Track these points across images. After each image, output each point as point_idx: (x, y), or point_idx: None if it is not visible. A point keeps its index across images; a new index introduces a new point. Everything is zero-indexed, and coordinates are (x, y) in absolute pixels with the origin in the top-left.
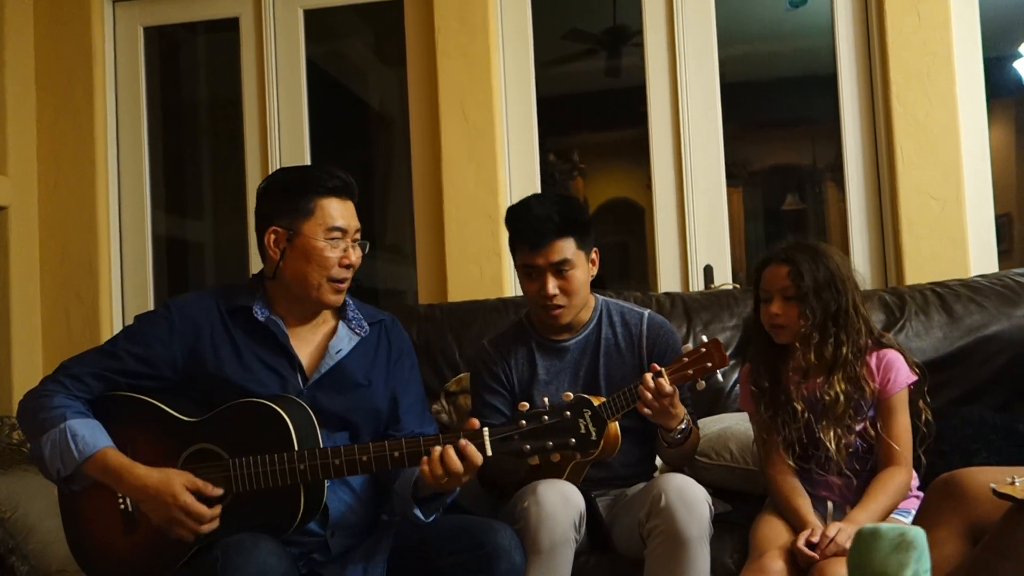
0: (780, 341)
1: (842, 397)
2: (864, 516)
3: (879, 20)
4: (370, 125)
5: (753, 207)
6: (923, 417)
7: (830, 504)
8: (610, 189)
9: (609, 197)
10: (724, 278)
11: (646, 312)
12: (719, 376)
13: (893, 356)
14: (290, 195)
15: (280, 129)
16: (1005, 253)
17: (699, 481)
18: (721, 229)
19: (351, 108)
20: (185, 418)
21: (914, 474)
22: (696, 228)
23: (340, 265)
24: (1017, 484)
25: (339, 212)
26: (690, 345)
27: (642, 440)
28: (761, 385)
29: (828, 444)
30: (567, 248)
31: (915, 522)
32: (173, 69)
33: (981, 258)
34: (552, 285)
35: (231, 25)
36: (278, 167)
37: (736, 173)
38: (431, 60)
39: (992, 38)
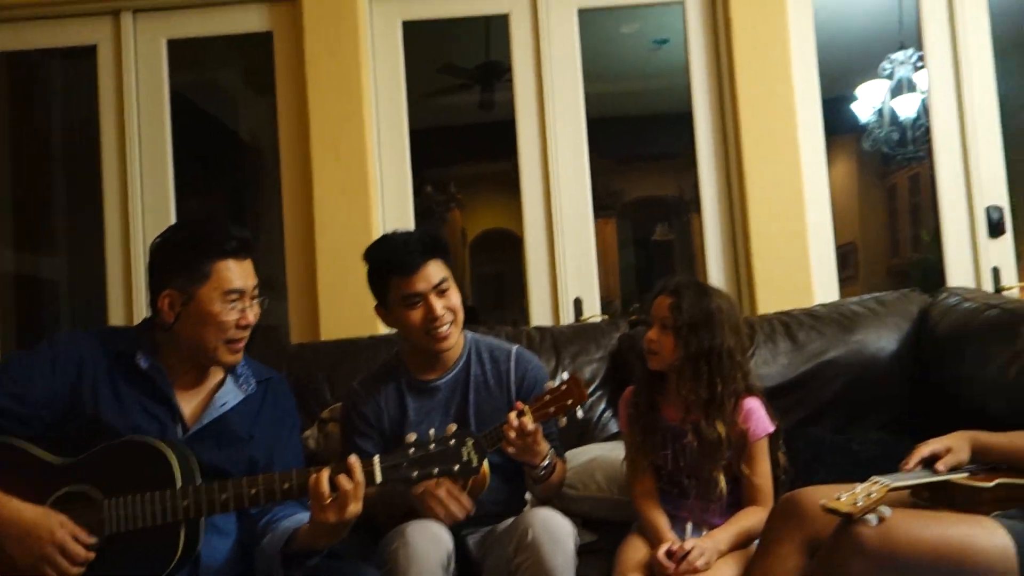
0: (651, 367)
1: (722, 437)
2: (723, 536)
3: (729, 65)
4: (240, 155)
5: (626, 237)
6: (781, 464)
7: (689, 525)
8: (488, 220)
9: (487, 228)
10: (593, 310)
11: (514, 348)
12: (580, 412)
13: (756, 405)
14: (185, 258)
15: (142, 160)
16: (851, 279)
17: (568, 512)
18: (589, 262)
19: (220, 138)
20: (54, 460)
21: None
22: (566, 261)
23: (238, 327)
24: (842, 499)
25: (237, 274)
26: (556, 381)
27: (510, 476)
28: (639, 408)
29: (707, 476)
30: (441, 268)
31: (760, 540)
32: (27, 96)
33: (823, 286)
34: (439, 306)
35: (90, 52)
36: (138, 199)
37: (610, 204)
38: (302, 92)
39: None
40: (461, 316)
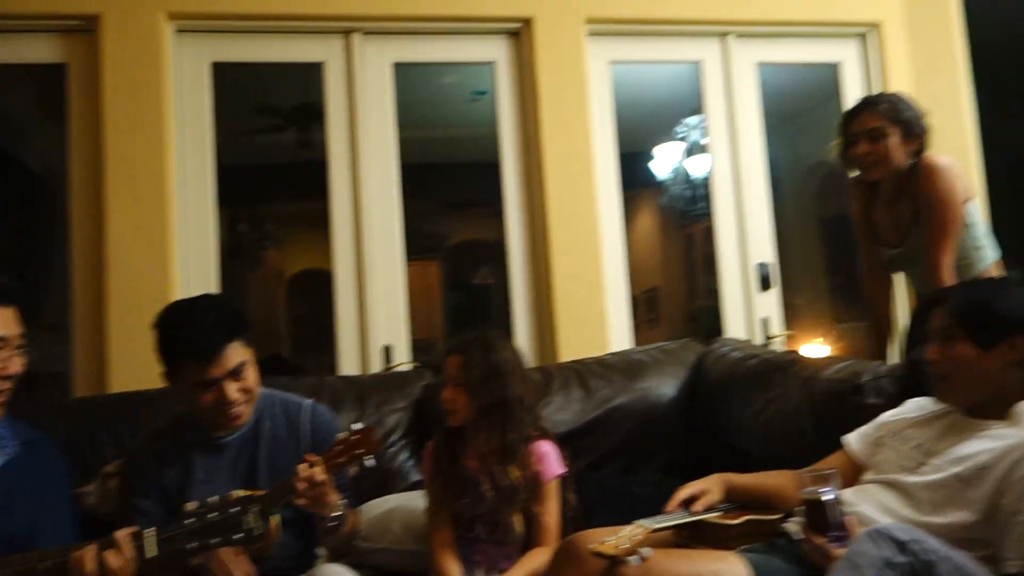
0: (452, 423)
1: (516, 482)
2: None
3: (534, 122)
4: (30, 187)
5: (450, 280)
6: (571, 504)
7: (481, 570)
8: (306, 259)
9: (304, 267)
10: (403, 357)
11: (308, 402)
12: (371, 462)
13: (548, 448)
14: None
15: None
16: (654, 321)
17: (361, 565)
18: (399, 308)
19: (6, 169)
20: None
21: None
22: (376, 307)
23: None
24: (608, 543)
25: None
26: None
27: (301, 530)
28: (440, 462)
29: (505, 521)
30: (240, 350)
31: None
32: None
33: (619, 333)
34: (233, 391)
35: None
36: None
37: (434, 247)
38: (97, 127)
39: (644, 137)
40: (257, 391)
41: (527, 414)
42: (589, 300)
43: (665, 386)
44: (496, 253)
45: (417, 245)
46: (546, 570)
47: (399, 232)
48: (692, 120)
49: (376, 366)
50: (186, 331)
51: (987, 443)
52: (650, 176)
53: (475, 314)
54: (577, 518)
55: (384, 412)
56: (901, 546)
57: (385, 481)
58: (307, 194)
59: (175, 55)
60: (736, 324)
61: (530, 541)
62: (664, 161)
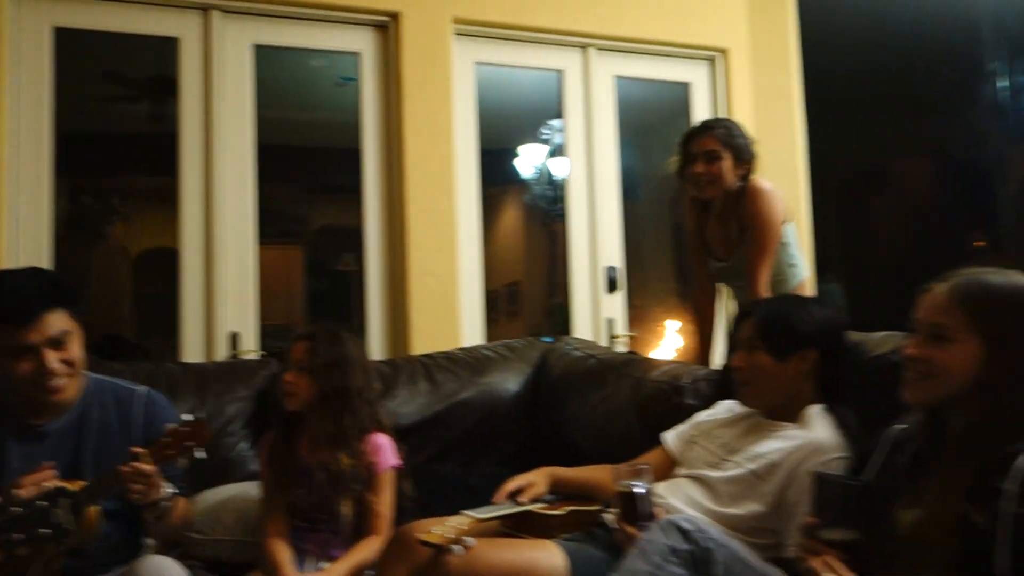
0: (289, 407)
1: (347, 470)
2: (339, 568)
3: (397, 116)
4: None
5: (312, 265)
6: (407, 495)
7: (311, 559)
8: (153, 237)
9: (152, 245)
10: (250, 345)
11: (142, 390)
12: (201, 454)
13: (384, 440)
14: None
15: None
16: (514, 315)
17: (190, 556)
18: (249, 294)
19: None
20: None
21: None
22: (226, 292)
23: None
24: (435, 532)
25: None
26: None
27: (127, 520)
28: (277, 450)
29: (336, 509)
30: (63, 319)
31: (376, 571)
32: None
33: (471, 329)
34: (53, 360)
35: None
36: None
37: (298, 232)
38: None
39: (511, 134)
40: (82, 366)
41: (365, 407)
42: (444, 295)
43: (509, 382)
44: (359, 241)
45: (279, 228)
46: (377, 559)
47: (253, 214)
48: (556, 123)
49: (222, 353)
50: (2, 294)
51: (780, 443)
52: (516, 173)
53: (337, 301)
54: (413, 509)
55: (225, 401)
56: (685, 535)
57: (222, 471)
58: (158, 169)
59: (12, 18)
60: (584, 323)
61: (363, 530)
62: (528, 160)
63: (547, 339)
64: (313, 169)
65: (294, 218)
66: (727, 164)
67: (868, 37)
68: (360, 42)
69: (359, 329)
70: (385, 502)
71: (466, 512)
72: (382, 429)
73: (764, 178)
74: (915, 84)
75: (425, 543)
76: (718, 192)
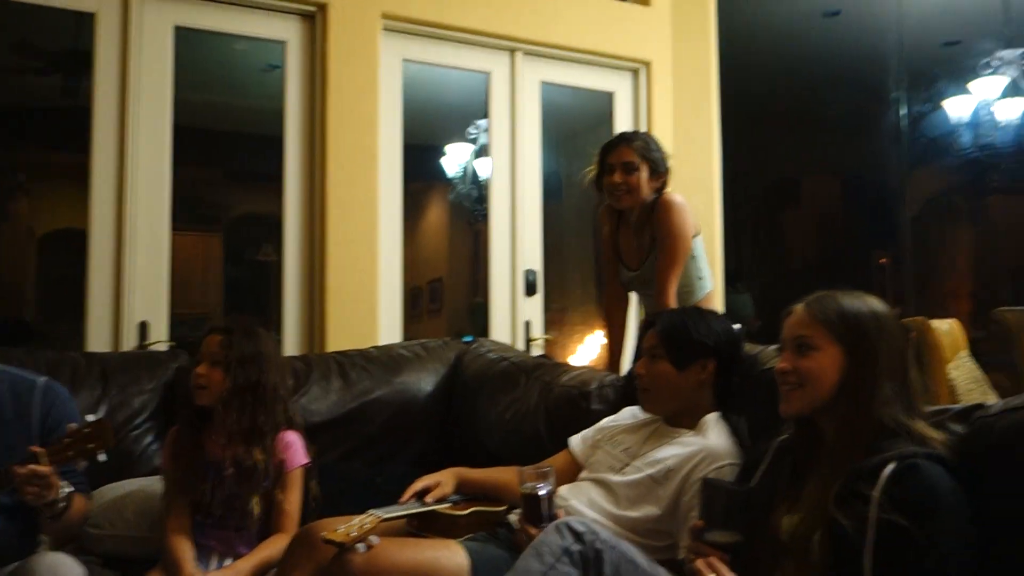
0: (199, 402)
1: (260, 466)
2: (244, 566)
3: (322, 108)
4: None
5: (231, 253)
6: (312, 494)
7: (216, 556)
8: (61, 216)
9: (61, 225)
10: (160, 335)
11: (42, 380)
12: (103, 458)
13: (294, 438)
14: None
15: None
16: (436, 311)
17: (88, 552)
18: (161, 282)
19: None
20: None
21: None
22: (135, 279)
23: None
24: (340, 531)
25: None
26: (85, 422)
27: (21, 517)
28: (183, 444)
29: (245, 506)
30: None
31: (278, 568)
32: None
33: (389, 327)
34: None
35: None
36: None
37: (216, 218)
38: None
39: (438, 131)
40: None
41: (279, 403)
42: (362, 291)
43: (423, 382)
44: (279, 231)
45: (197, 214)
46: (282, 556)
47: (167, 198)
48: (483, 123)
49: (130, 343)
50: None
51: (677, 449)
52: (442, 171)
53: (256, 291)
54: (320, 507)
55: (130, 394)
56: (578, 536)
57: (124, 465)
58: (69, 145)
59: None
60: (502, 324)
61: (270, 528)
62: (454, 159)
63: (468, 338)
64: (235, 155)
65: (214, 204)
66: (643, 176)
67: (784, 60)
68: (286, 31)
69: (276, 322)
70: (293, 500)
71: (372, 511)
72: (293, 426)
73: (680, 190)
74: (826, 107)
75: (329, 541)
76: (633, 202)
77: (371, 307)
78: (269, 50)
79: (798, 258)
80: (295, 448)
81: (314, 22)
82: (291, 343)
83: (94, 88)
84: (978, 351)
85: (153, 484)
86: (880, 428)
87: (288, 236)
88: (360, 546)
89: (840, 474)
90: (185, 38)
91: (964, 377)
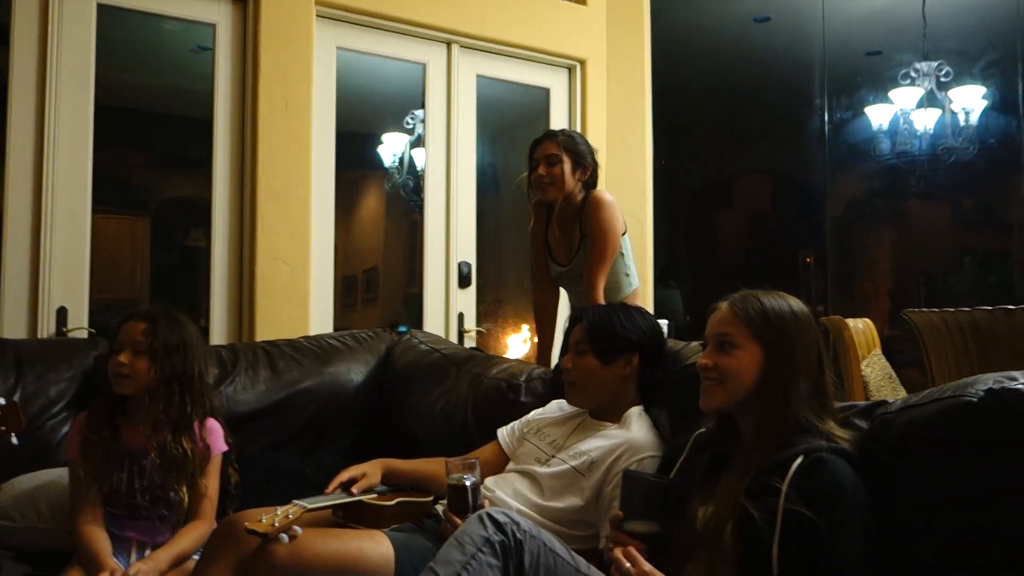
0: (122, 391)
1: (190, 454)
2: (164, 556)
3: (253, 108)
4: None
5: (160, 238)
6: (232, 480)
7: (135, 547)
8: None
9: None
10: (80, 322)
11: None
12: (14, 440)
13: (216, 425)
14: None
15: None
16: (371, 301)
17: (2, 546)
18: (81, 267)
19: None
20: None
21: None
22: (54, 263)
23: None
24: (263, 521)
25: None
26: None
27: None
28: (99, 433)
29: (168, 495)
30: None
31: (200, 559)
32: None
33: (320, 317)
34: None
35: None
36: None
37: (145, 201)
38: None
39: (375, 119)
40: None
41: (205, 390)
42: (293, 280)
43: (353, 372)
44: (209, 216)
45: (124, 197)
46: (204, 546)
47: (88, 181)
48: (420, 113)
49: (48, 329)
50: None
51: (601, 441)
52: (379, 159)
53: (184, 277)
54: (245, 496)
55: (47, 382)
56: (499, 527)
57: (39, 455)
58: None
59: None
60: (436, 316)
61: (189, 515)
62: (390, 148)
63: (403, 328)
64: (164, 137)
65: (141, 187)
66: (567, 168)
67: (716, 63)
68: (216, 13)
69: (204, 309)
70: (212, 487)
71: (296, 501)
72: (215, 414)
73: (613, 186)
74: (756, 109)
75: (252, 532)
76: (557, 194)
77: (302, 296)
78: (198, 31)
79: (728, 255)
80: (216, 435)
81: (246, 5)
82: (219, 332)
83: (11, 62)
84: (894, 348)
85: (67, 476)
86: (794, 424)
87: (217, 222)
88: (283, 536)
89: (753, 468)
90: (109, 16)
91: (876, 374)
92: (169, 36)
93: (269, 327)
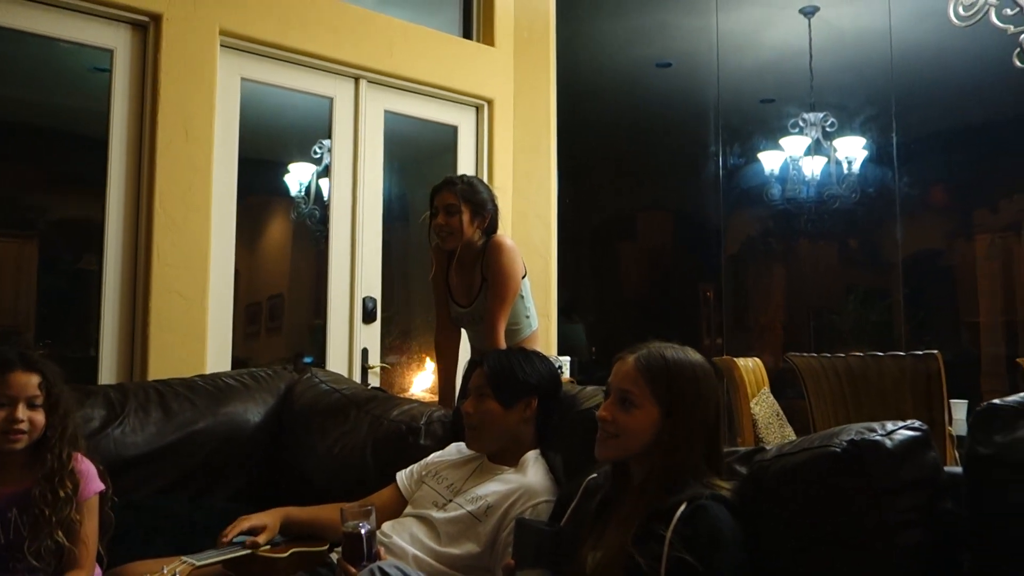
0: (16, 447)
1: (63, 500)
2: None
3: (151, 130)
4: None
5: (48, 261)
6: (108, 523)
7: None
8: None
9: None
10: None
11: None
12: None
13: (88, 467)
14: None
15: None
16: (276, 330)
17: None
18: None
19: None
20: None
21: (97, 570)
22: None
23: None
24: (166, 571)
25: None
26: None
27: None
28: None
29: (49, 541)
30: None
31: None
32: None
33: (218, 350)
34: None
35: None
36: None
37: (34, 222)
38: None
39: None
40: None
41: (77, 429)
42: (189, 313)
43: (251, 412)
44: (101, 242)
45: (10, 217)
46: None
47: None
48: (328, 142)
49: None
50: None
51: (498, 486)
52: (286, 187)
53: (75, 303)
54: (131, 543)
55: None
56: None
57: None
58: None
59: None
60: (339, 350)
61: (66, 564)
62: (297, 177)
63: (308, 359)
64: (55, 156)
65: (29, 207)
66: (465, 218)
67: (620, 105)
68: (115, 39)
69: (94, 339)
70: (91, 531)
71: (185, 558)
72: (79, 450)
73: (518, 222)
74: (657, 151)
75: None
76: (456, 243)
77: (199, 330)
78: (96, 53)
79: (631, 289)
80: (89, 475)
81: (146, 32)
82: (109, 366)
83: None
84: (785, 381)
85: None
86: (682, 474)
87: (110, 246)
88: None
89: (640, 514)
90: (2, 36)
91: (764, 412)
92: (65, 54)
93: (164, 362)
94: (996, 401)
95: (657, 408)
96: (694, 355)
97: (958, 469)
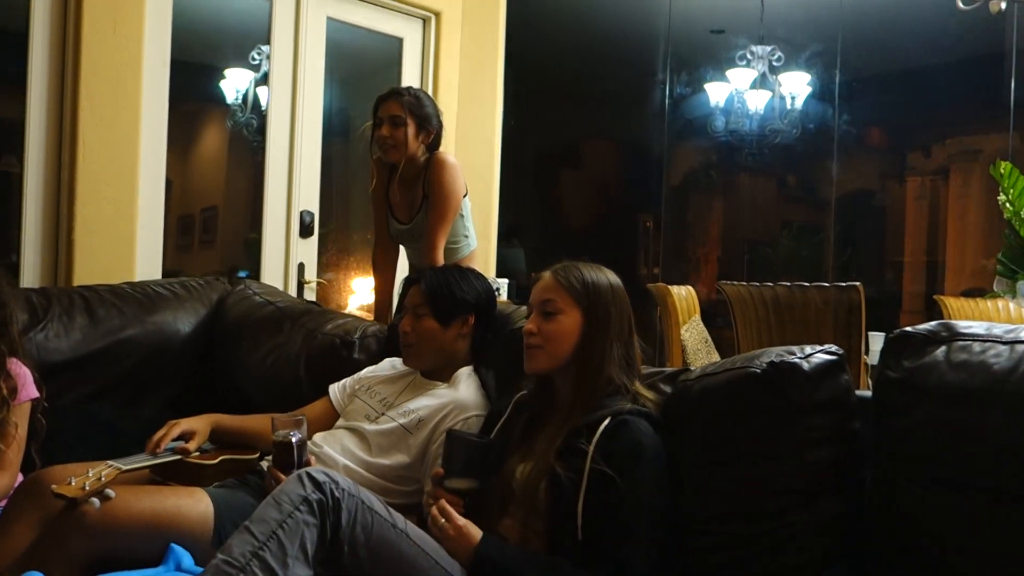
0: None
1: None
2: None
3: (76, 23)
4: None
5: None
6: (40, 430)
7: None
8: None
9: None
10: None
11: None
12: None
13: (24, 372)
14: None
15: None
16: (209, 243)
17: None
18: None
19: None
20: None
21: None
22: None
23: None
24: (73, 483)
25: None
26: None
27: None
28: None
29: None
30: None
31: (2, 515)
32: None
33: (147, 260)
34: None
35: None
36: None
37: None
38: None
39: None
40: None
41: (15, 332)
42: (118, 218)
43: (181, 322)
44: (22, 139)
45: None
46: (8, 502)
47: None
48: (266, 49)
49: None
50: None
51: (430, 400)
52: (222, 94)
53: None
54: (56, 449)
55: None
56: (318, 486)
57: None
58: None
59: None
60: (275, 265)
61: None
62: (234, 83)
63: (243, 273)
64: None
65: None
66: (410, 131)
67: (569, 30)
68: None
69: (15, 244)
70: (20, 436)
71: (111, 462)
72: (17, 355)
73: (461, 143)
74: (604, 78)
75: (59, 496)
76: (399, 157)
77: (128, 237)
78: None
79: (572, 216)
80: (24, 380)
81: None
82: (31, 272)
83: None
84: (717, 312)
85: None
86: (606, 387)
87: (31, 146)
88: (94, 500)
89: (565, 429)
90: None
91: (694, 339)
92: None
93: (90, 269)
94: (908, 328)
95: (579, 312)
96: (606, 270)
97: (868, 393)
